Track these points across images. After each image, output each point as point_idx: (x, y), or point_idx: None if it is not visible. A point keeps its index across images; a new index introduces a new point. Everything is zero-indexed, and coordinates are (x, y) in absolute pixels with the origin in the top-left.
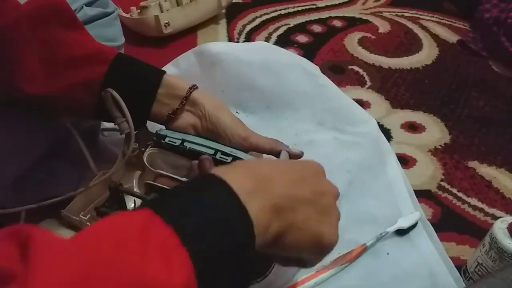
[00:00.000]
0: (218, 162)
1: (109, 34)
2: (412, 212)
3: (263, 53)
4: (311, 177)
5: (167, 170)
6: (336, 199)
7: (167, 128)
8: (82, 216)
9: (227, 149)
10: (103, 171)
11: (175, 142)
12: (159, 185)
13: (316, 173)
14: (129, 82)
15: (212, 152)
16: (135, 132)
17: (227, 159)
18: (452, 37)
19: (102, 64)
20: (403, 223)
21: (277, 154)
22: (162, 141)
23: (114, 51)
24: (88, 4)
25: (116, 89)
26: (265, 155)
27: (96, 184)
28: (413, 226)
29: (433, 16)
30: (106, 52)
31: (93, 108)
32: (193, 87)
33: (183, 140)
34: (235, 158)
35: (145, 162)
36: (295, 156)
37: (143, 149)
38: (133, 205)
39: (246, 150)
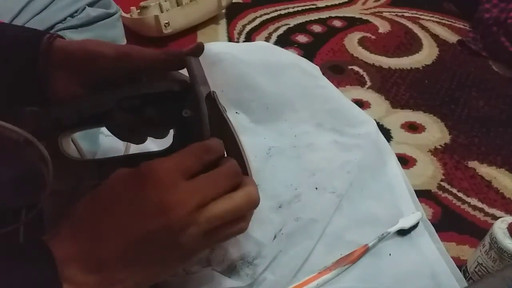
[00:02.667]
0: (130, 110)
1: (111, 36)
2: (413, 212)
3: (263, 53)
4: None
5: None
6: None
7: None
8: None
9: (129, 91)
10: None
11: (73, 119)
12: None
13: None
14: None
15: (114, 104)
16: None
17: (136, 103)
18: (452, 37)
19: None
20: (405, 223)
21: (181, 66)
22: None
23: None
24: (90, 5)
25: None
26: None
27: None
28: (415, 226)
29: (433, 16)
30: None
31: None
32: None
33: (79, 111)
34: (143, 96)
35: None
36: (198, 49)
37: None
38: None
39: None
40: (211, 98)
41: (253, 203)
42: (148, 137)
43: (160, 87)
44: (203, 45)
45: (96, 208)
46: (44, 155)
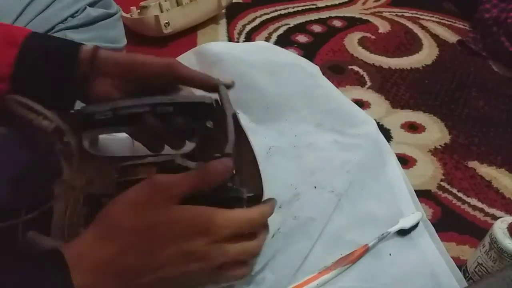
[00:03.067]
0: (160, 117)
1: (111, 36)
2: (413, 212)
3: (263, 53)
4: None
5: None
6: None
7: (86, 101)
8: None
9: (165, 99)
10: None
11: (107, 115)
12: (135, 177)
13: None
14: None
15: (148, 108)
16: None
17: (169, 109)
18: (452, 37)
19: (12, 47)
20: (405, 223)
21: (212, 89)
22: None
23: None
24: (91, 5)
25: (30, 69)
26: None
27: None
28: (415, 226)
29: (433, 16)
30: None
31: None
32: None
33: (114, 109)
34: (176, 105)
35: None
36: (228, 85)
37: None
38: None
39: (174, 84)
40: (235, 117)
41: (258, 252)
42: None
43: (194, 98)
44: (234, 84)
45: (135, 219)
46: (72, 147)
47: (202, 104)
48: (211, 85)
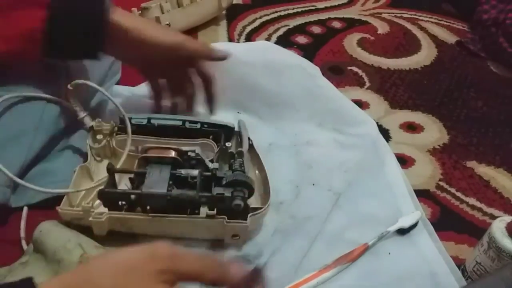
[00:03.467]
0: (187, 131)
1: None
2: (413, 212)
3: (264, 53)
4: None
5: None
6: None
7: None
8: (85, 205)
9: (194, 118)
10: (80, 165)
11: (142, 122)
12: (155, 155)
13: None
14: (74, 27)
15: (180, 123)
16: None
17: (196, 126)
18: (451, 38)
19: (38, 8)
20: (404, 223)
21: (214, 60)
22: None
23: None
24: None
25: (60, 34)
26: None
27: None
28: (414, 225)
29: (432, 17)
30: None
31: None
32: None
33: (149, 118)
34: (202, 124)
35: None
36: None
37: (108, 138)
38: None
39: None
40: (250, 143)
41: None
42: None
43: (219, 122)
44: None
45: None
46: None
47: (225, 127)
48: (212, 58)
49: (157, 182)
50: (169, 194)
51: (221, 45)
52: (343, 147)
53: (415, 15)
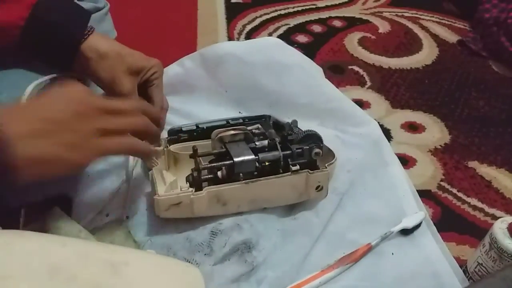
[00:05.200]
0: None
1: (101, 29)
2: (416, 212)
3: (267, 52)
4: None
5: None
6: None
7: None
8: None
9: (234, 116)
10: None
11: (192, 128)
12: (230, 133)
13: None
14: (49, 36)
15: (224, 122)
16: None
17: (239, 121)
18: (452, 37)
19: (24, 7)
20: (408, 223)
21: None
22: (178, 134)
23: None
24: None
25: (36, 40)
26: None
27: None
28: (418, 226)
29: (433, 16)
30: None
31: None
32: (90, 30)
33: (197, 124)
34: (244, 119)
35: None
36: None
37: (165, 147)
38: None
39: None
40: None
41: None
42: None
43: (257, 114)
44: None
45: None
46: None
47: (263, 116)
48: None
49: (242, 152)
50: (257, 158)
51: (227, 45)
52: (345, 147)
53: (416, 14)
